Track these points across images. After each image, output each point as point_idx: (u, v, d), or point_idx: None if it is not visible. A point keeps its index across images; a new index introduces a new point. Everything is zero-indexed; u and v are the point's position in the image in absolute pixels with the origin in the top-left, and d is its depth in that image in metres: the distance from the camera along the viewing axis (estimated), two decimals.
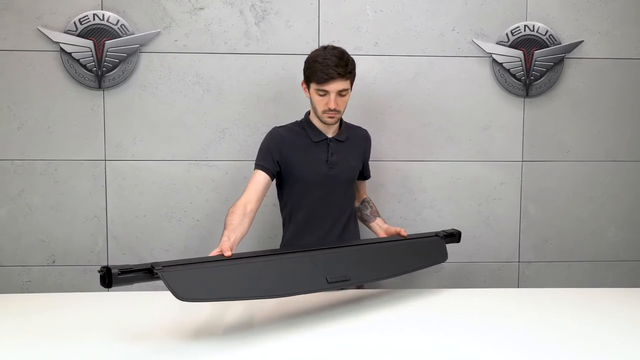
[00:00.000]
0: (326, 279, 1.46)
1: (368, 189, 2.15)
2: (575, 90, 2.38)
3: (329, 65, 1.69)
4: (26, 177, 2.27)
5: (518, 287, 2.42)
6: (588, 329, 1.42)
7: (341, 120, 1.94)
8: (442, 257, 1.85)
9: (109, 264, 1.27)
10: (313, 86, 1.75)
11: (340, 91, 1.74)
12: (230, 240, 1.57)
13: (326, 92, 1.73)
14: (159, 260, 1.33)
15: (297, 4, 2.28)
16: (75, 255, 2.31)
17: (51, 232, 2.30)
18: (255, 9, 2.28)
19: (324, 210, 1.86)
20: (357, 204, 2.06)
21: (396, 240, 1.78)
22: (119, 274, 1.22)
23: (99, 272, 1.24)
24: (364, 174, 2.05)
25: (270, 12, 2.28)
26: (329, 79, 1.70)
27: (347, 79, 1.74)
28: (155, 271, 1.24)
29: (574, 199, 2.43)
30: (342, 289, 1.83)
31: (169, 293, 1.25)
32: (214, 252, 1.45)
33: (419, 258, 1.78)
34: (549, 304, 1.63)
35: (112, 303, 1.65)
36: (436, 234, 1.86)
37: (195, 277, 1.30)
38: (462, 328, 1.42)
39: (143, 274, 1.25)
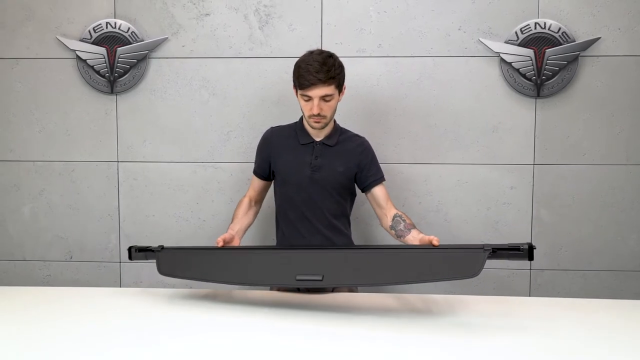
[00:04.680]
0: (295, 276, 1.48)
1: None
2: (592, 89, 2.25)
3: (310, 72, 1.70)
4: (46, 177, 2.42)
5: (530, 296, 2.32)
6: (604, 342, 1.32)
7: (336, 124, 1.94)
8: (467, 272, 1.40)
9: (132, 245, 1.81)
10: (298, 91, 1.77)
11: (324, 97, 1.73)
12: (234, 230, 1.79)
13: (310, 98, 1.74)
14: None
15: (300, 7, 2.30)
16: (90, 252, 2.43)
17: (69, 230, 2.44)
18: (259, 14, 2.31)
19: (309, 213, 1.86)
20: (388, 222, 1.85)
21: (414, 248, 1.62)
22: (136, 251, 1.77)
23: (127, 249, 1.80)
24: (366, 182, 1.90)
25: (274, 16, 2.31)
26: (310, 85, 1.70)
27: (329, 85, 1.72)
28: (154, 251, 1.72)
29: (591, 205, 2.30)
30: (322, 290, 1.83)
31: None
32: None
33: (426, 270, 1.50)
34: (562, 315, 1.54)
35: (123, 298, 1.72)
36: (482, 247, 1.42)
37: (180, 259, 1.69)
38: (468, 337, 1.35)
39: (151, 252, 1.74)
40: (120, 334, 1.38)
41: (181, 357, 1.23)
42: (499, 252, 1.43)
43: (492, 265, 2.32)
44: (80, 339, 1.34)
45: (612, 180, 2.28)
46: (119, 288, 2.37)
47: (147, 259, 1.76)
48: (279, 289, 1.95)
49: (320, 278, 1.49)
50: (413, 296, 1.76)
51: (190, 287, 2.37)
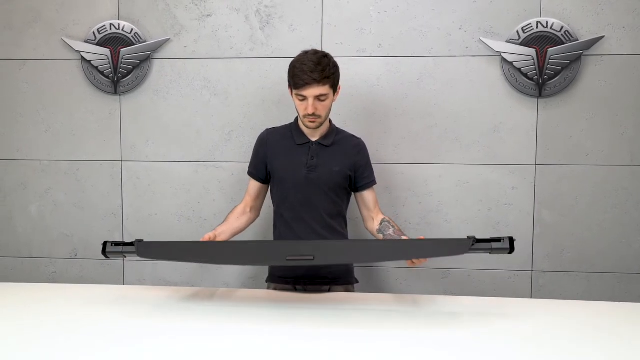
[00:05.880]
0: (285, 257, 1.51)
1: None
2: (595, 89, 2.22)
3: (305, 71, 1.71)
4: (52, 176, 2.46)
5: (531, 298, 2.30)
6: (608, 346, 1.30)
7: (332, 125, 1.94)
8: (455, 251, 1.54)
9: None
10: (294, 91, 1.78)
11: (319, 96, 1.74)
12: (218, 231, 1.78)
13: (304, 97, 1.75)
14: None
15: (301, 8, 2.31)
16: (95, 250, 2.47)
17: (74, 228, 2.48)
18: (260, 14, 2.33)
19: (306, 213, 1.86)
20: (374, 225, 1.89)
21: (400, 240, 1.69)
22: (112, 245, 1.64)
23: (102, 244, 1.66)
24: (359, 184, 1.92)
25: (275, 17, 2.32)
26: (304, 84, 1.71)
27: (324, 85, 1.73)
28: (133, 244, 1.61)
29: (595, 206, 2.27)
30: (319, 289, 1.84)
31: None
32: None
33: (417, 250, 1.57)
34: (564, 317, 1.52)
35: (126, 296, 1.75)
36: (467, 237, 1.50)
37: (160, 248, 1.68)
38: (467, 339, 1.34)
39: (129, 245, 1.63)
40: (122, 331, 1.40)
41: (182, 356, 1.25)
42: (481, 242, 1.49)
43: (493, 266, 2.31)
44: (83, 336, 1.37)
45: (616, 181, 2.25)
46: (122, 285, 2.41)
47: (122, 253, 1.63)
48: (275, 288, 1.96)
49: (311, 257, 1.50)
50: (411, 296, 1.76)
51: (192, 286, 2.41)
